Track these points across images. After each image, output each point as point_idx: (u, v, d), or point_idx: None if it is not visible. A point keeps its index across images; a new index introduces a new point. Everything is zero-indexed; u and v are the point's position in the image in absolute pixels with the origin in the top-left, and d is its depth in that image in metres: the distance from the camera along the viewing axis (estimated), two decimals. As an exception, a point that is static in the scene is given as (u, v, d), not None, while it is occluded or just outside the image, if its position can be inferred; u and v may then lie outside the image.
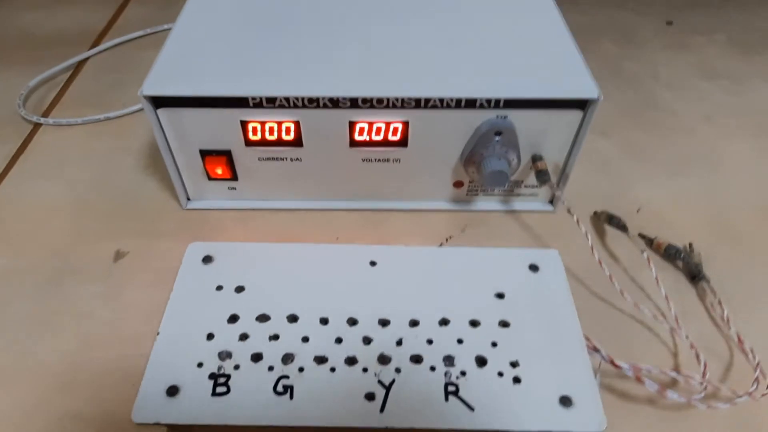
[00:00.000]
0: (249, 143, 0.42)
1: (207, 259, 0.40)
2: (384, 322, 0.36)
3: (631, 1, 0.74)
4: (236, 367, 0.34)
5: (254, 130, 0.41)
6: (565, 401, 0.33)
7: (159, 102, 0.39)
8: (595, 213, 0.46)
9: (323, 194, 0.46)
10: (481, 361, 0.35)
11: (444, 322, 0.37)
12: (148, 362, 0.34)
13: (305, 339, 0.35)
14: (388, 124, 0.40)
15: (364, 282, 0.39)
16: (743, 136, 0.55)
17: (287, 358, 0.35)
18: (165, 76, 0.40)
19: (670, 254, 0.43)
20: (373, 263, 0.40)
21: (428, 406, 0.33)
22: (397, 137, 0.41)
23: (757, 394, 0.34)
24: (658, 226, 0.45)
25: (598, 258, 0.39)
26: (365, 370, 0.34)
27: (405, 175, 0.44)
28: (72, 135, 0.54)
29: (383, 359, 0.35)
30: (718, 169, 0.51)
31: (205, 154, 0.42)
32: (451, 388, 0.33)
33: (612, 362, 0.34)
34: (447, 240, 0.44)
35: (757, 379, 0.34)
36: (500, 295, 0.38)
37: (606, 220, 0.44)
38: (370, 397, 0.33)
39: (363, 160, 0.43)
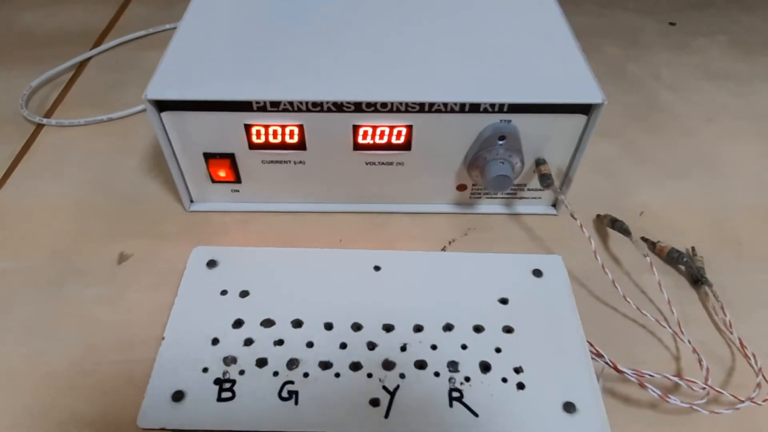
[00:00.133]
0: (252, 146, 0.42)
1: (211, 264, 0.40)
2: (388, 328, 0.37)
3: (634, 3, 0.74)
4: (241, 373, 0.34)
5: (258, 133, 0.41)
6: (569, 407, 0.33)
7: (163, 105, 0.39)
8: (598, 216, 0.46)
9: (326, 197, 0.46)
10: (485, 367, 0.35)
11: (448, 327, 0.37)
12: (153, 367, 0.34)
13: (310, 344, 0.36)
14: (391, 128, 0.40)
15: (369, 287, 0.39)
16: (746, 138, 0.55)
17: (292, 364, 0.35)
18: (169, 80, 0.39)
19: (672, 258, 0.43)
20: (377, 268, 0.40)
21: (433, 411, 0.33)
22: (401, 141, 0.41)
23: (759, 399, 0.34)
24: (661, 230, 0.45)
25: (600, 262, 0.39)
26: (370, 375, 0.34)
27: (408, 178, 0.44)
28: (74, 135, 0.53)
29: (388, 365, 0.35)
30: (721, 171, 0.51)
31: (208, 156, 0.42)
32: (455, 394, 0.34)
33: (615, 367, 0.35)
34: (450, 243, 0.44)
35: (759, 384, 0.35)
36: (504, 301, 0.38)
37: (609, 224, 0.44)
38: (374, 402, 0.33)
39: (366, 164, 0.43)
